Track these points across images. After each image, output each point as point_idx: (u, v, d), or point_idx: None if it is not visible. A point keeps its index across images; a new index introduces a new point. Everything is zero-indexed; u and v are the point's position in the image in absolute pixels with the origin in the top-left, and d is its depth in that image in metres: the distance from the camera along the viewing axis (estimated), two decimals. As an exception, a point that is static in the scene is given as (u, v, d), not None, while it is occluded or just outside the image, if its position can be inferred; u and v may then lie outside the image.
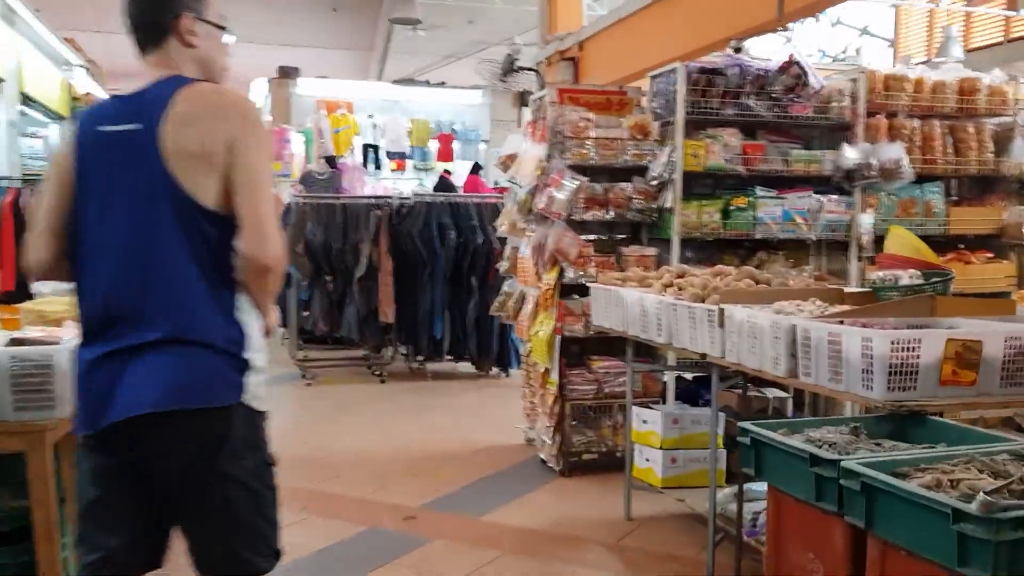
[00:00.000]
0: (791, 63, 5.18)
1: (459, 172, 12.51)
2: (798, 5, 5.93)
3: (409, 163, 13.13)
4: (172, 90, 2.09)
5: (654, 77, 5.49)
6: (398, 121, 12.97)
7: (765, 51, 5.99)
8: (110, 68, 13.78)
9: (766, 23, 6.19)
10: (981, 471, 2.06)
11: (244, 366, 2.12)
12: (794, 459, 2.32)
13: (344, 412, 7.20)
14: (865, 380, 2.58)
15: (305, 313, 8.69)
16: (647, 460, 4.57)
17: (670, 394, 5.19)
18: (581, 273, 5.25)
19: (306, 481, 5.20)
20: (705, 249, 5.32)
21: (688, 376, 5.17)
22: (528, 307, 5.74)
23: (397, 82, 14.47)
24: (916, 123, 5.39)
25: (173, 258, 2.06)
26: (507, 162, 5.86)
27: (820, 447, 2.31)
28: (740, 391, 4.29)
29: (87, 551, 2.13)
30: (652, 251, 5.35)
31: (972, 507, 1.79)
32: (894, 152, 5.08)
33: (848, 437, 2.42)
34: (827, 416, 5.15)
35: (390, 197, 8.79)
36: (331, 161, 11.18)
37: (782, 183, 5.25)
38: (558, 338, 5.30)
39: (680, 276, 4.15)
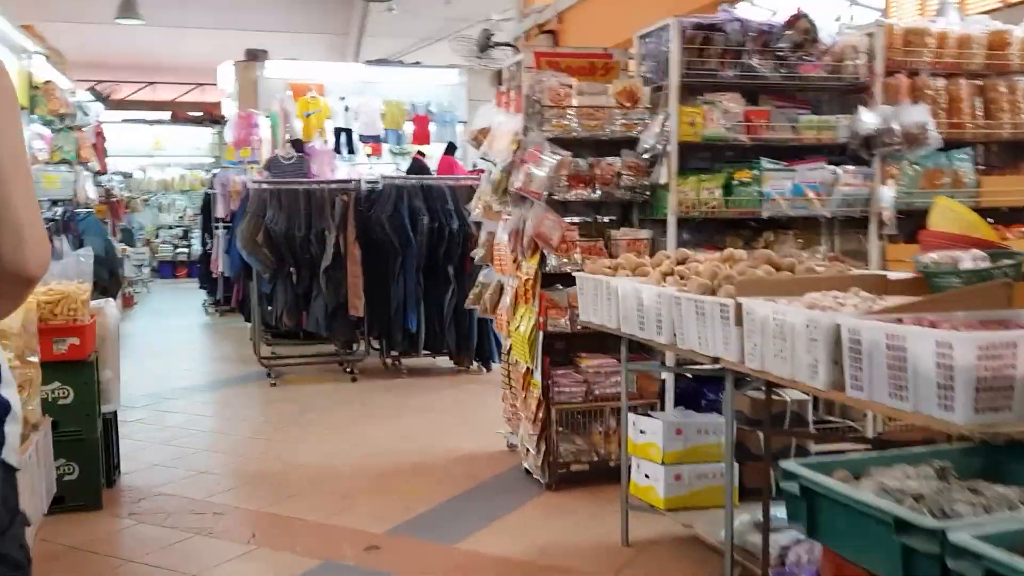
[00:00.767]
0: (799, 16, 4.64)
1: (435, 155, 11.96)
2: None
3: (384, 147, 12.59)
4: None
5: (643, 37, 4.95)
6: (371, 103, 12.40)
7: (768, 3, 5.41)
8: (77, 59, 13.19)
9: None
10: None
11: None
12: (868, 520, 1.68)
13: (309, 417, 6.58)
14: (942, 398, 1.95)
15: (269, 308, 8.09)
16: (647, 476, 3.95)
17: (669, 395, 4.62)
18: (565, 260, 4.72)
19: (259, 502, 4.59)
20: (703, 231, 4.79)
21: (689, 373, 4.59)
22: (507, 299, 5.16)
23: (370, 63, 13.85)
24: (941, 82, 4.79)
25: None
26: (479, 137, 5.24)
27: (902, 501, 1.67)
28: (749, 393, 3.70)
29: None
30: (645, 234, 4.82)
31: None
32: (919, 115, 4.50)
33: (936, 484, 1.78)
34: (854, 422, 4.57)
35: (356, 180, 8.23)
36: (298, 145, 10.57)
37: (790, 154, 4.69)
38: (541, 334, 4.73)
39: (681, 263, 3.55)
